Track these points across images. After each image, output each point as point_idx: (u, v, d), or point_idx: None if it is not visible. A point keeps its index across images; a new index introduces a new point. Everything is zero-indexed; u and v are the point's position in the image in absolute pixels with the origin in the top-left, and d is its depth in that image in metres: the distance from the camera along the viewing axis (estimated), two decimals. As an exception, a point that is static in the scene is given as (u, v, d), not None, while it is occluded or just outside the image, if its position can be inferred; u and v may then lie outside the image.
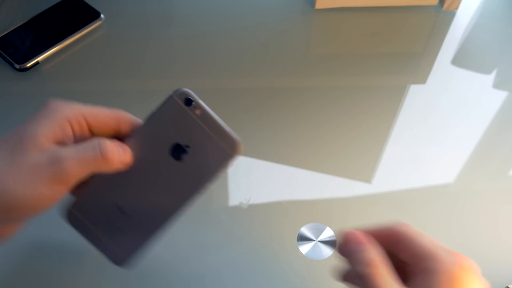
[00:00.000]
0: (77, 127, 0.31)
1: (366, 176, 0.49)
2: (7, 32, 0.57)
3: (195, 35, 0.60)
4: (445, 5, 0.63)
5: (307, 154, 0.50)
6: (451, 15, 0.64)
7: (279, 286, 0.41)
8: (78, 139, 0.32)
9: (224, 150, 0.34)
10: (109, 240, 0.33)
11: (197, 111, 0.34)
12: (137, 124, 0.34)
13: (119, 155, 0.31)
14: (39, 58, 0.55)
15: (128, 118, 0.34)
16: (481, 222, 0.46)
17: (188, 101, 0.34)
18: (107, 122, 0.33)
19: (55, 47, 0.56)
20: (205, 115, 0.34)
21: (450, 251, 0.31)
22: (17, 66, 0.54)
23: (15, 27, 0.57)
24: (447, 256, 0.30)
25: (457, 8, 0.63)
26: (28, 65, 0.54)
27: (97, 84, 0.55)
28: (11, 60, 0.54)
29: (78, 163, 0.29)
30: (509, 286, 0.41)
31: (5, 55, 0.55)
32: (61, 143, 0.30)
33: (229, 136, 0.34)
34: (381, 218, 0.46)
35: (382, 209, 0.46)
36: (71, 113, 0.31)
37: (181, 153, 0.35)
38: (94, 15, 0.59)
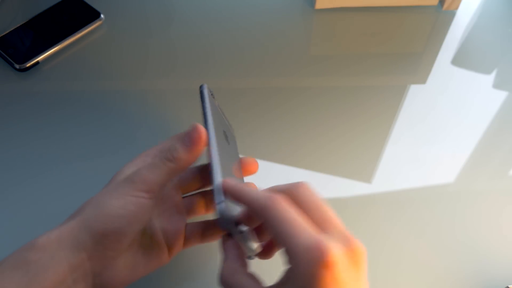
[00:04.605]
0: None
1: (365, 176, 0.49)
2: (7, 32, 0.57)
3: (195, 35, 0.60)
4: (445, 5, 0.63)
5: (306, 153, 0.50)
6: (451, 15, 0.64)
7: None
8: None
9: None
10: None
11: (216, 102, 0.41)
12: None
13: (186, 148, 0.34)
14: (39, 58, 0.55)
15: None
16: (481, 222, 0.46)
17: (213, 94, 0.40)
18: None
19: (55, 47, 0.56)
20: (219, 105, 0.43)
21: (316, 239, 0.26)
22: (17, 66, 0.54)
23: (15, 27, 0.57)
24: (307, 252, 0.25)
25: (457, 8, 0.63)
26: (28, 65, 0.54)
27: (97, 84, 0.55)
28: (11, 60, 0.54)
29: (149, 169, 0.34)
30: (509, 286, 0.41)
31: (5, 55, 0.55)
32: None
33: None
34: (380, 218, 0.46)
35: (381, 209, 0.46)
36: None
37: (227, 136, 0.40)
38: (94, 15, 0.59)
